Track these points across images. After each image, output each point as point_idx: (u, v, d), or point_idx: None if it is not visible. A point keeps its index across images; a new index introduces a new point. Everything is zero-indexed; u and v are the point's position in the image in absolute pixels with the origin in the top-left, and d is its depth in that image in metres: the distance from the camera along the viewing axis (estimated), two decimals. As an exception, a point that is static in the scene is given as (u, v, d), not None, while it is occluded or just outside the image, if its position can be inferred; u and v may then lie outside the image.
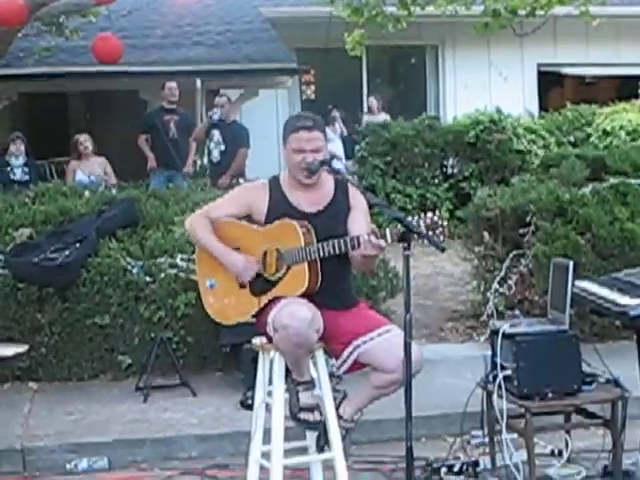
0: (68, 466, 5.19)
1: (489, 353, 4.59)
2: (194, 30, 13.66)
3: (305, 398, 3.98)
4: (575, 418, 4.72)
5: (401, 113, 13.90)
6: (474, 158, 12.88)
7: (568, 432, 4.75)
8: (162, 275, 6.50)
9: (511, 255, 7.23)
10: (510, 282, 7.16)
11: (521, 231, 7.27)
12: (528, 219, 7.24)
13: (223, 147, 9.84)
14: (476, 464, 4.74)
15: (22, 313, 6.45)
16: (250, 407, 4.62)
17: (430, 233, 3.70)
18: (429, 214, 3.74)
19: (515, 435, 4.51)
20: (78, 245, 6.59)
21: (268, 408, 4.05)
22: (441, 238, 3.70)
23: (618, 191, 7.46)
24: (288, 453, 4.04)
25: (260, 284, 4.02)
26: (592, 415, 4.60)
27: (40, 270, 6.41)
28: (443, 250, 3.77)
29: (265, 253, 4.02)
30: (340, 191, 4.13)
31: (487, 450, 4.75)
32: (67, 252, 6.51)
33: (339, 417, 4.07)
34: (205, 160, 10.74)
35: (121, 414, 5.80)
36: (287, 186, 4.11)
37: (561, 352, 4.39)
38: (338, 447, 4.02)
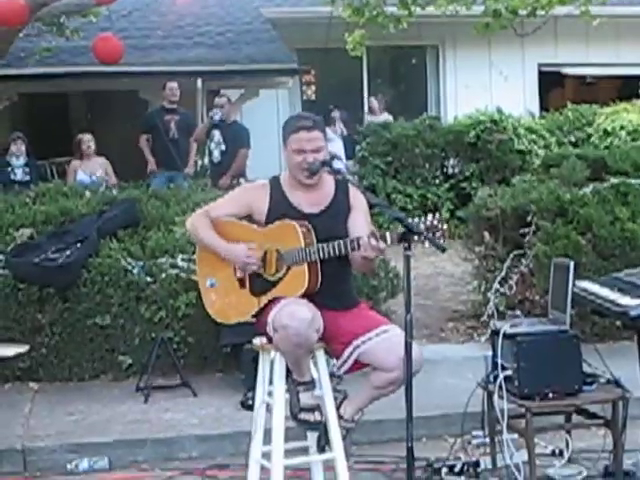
0: (69, 466, 5.19)
1: (490, 353, 4.59)
2: (195, 30, 13.67)
3: (305, 398, 3.98)
4: (576, 418, 4.72)
5: (402, 113, 13.91)
6: (475, 158, 12.89)
7: (569, 432, 4.75)
8: (163, 275, 6.50)
9: (512, 255, 7.23)
10: (511, 282, 7.16)
11: (522, 231, 7.27)
12: (529, 219, 7.24)
13: (224, 147, 9.85)
14: (477, 464, 4.73)
15: (23, 313, 6.46)
16: (251, 407, 4.61)
17: (430, 235, 3.70)
18: (429, 217, 3.75)
19: (516, 435, 4.51)
20: (79, 245, 6.59)
21: (269, 408, 4.05)
22: (441, 241, 3.71)
23: (619, 191, 7.46)
24: (289, 453, 4.04)
25: (260, 284, 4.02)
26: (593, 415, 4.60)
27: (41, 270, 6.41)
28: (444, 250, 3.78)
29: (265, 253, 4.02)
30: (341, 191, 4.13)
31: (488, 450, 4.75)
32: (68, 252, 6.51)
33: (340, 417, 4.07)
34: (206, 160, 10.74)
35: (122, 414, 5.80)
36: (288, 186, 4.11)
37: (562, 352, 4.39)
38: (339, 447, 4.02)
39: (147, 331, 6.49)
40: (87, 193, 7.63)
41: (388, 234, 3.77)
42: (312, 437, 4.16)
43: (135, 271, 6.49)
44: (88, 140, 10.59)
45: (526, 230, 7.23)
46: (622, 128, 12.82)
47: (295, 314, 3.76)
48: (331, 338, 4.01)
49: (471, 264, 8.00)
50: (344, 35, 11.10)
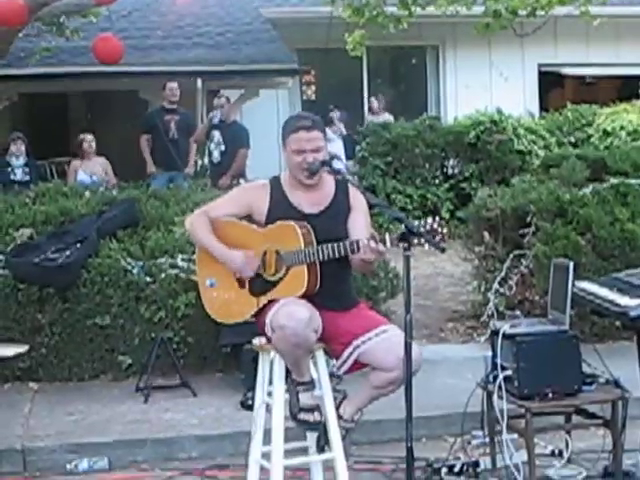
0: (68, 466, 5.19)
1: (489, 353, 4.59)
2: (194, 31, 13.66)
3: (305, 399, 3.98)
4: (575, 418, 4.72)
5: (402, 113, 13.91)
6: (474, 158, 12.89)
7: (568, 432, 4.75)
8: (162, 275, 6.50)
9: (511, 255, 7.23)
10: (510, 282, 7.16)
11: (521, 231, 7.27)
12: (528, 219, 7.24)
13: (223, 148, 9.86)
14: (476, 464, 4.74)
15: (22, 313, 6.46)
16: (250, 407, 4.62)
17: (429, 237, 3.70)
18: (428, 220, 3.75)
19: (515, 435, 4.52)
20: (79, 245, 6.59)
21: (268, 408, 4.05)
22: (440, 245, 3.71)
23: (618, 192, 7.46)
24: (288, 453, 4.04)
25: (259, 285, 4.02)
26: (592, 415, 4.60)
27: (41, 270, 6.41)
28: (443, 251, 3.78)
29: (265, 254, 4.02)
30: (341, 191, 4.13)
31: (487, 450, 4.75)
32: (68, 252, 6.51)
33: (339, 417, 4.07)
34: (206, 160, 10.75)
35: (121, 414, 5.80)
36: (288, 186, 4.11)
37: (561, 352, 4.39)
38: (338, 447, 4.02)
39: (147, 331, 6.49)
40: (87, 193, 7.63)
41: (388, 237, 3.77)
42: (312, 437, 4.16)
43: (135, 271, 6.49)
44: (90, 140, 10.63)
45: (526, 230, 7.23)
46: (622, 128, 12.82)
47: (293, 314, 3.76)
48: (330, 338, 4.01)
49: (471, 264, 8.00)
50: (344, 35, 11.10)
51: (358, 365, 4.02)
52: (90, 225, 6.81)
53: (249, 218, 4.15)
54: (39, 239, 6.74)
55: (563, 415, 4.77)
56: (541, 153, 12.62)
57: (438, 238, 3.71)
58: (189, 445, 5.39)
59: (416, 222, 3.77)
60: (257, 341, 4.14)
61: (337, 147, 12.64)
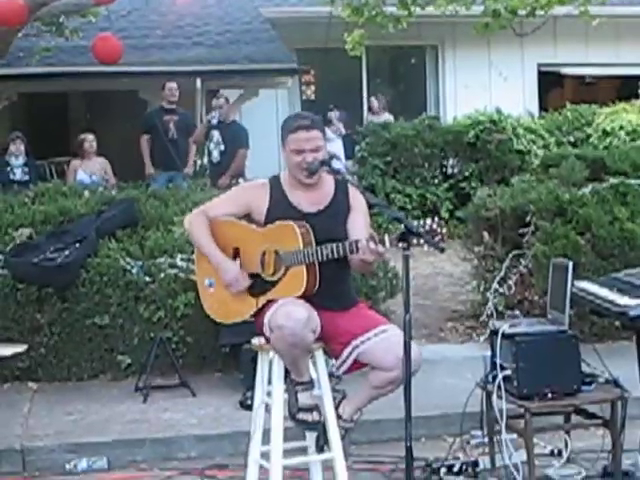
0: (67, 466, 5.19)
1: (489, 353, 4.59)
2: (194, 30, 13.66)
3: (304, 398, 3.97)
4: (575, 418, 4.72)
5: (401, 113, 13.91)
6: (474, 158, 12.88)
7: (568, 432, 4.76)
8: (162, 275, 6.50)
9: (511, 255, 7.23)
10: (510, 282, 7.16)
11: (521, 231, 7.27)
12: (528, 219, 7.24)
13: (222, 147, 9.85)
14: (476, 464, 4.74)
15: (21, 313, 6.45)
16: (249, 407, 4.62)
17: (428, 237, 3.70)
18: (428, 221, 3.74)
19: (515, 435, 4.52)
20: (78, 245, 6.59)
21: (267, 408, 4.05)
22: (440, 245, 3.70)
23: (618, 191, 7.46)
24: (287, 453, 4.04)
25: (258, 285, 4.02)
26: (592, 415, 4.60)
27: (40, 270, 6.41)
28: (442, 250, 3.78)
29: (264, 254, 4.01)
30: (340, 191, 4.13)
31: (487, 450, 4.75)
32: (67, 252, 6.51)
33: (338, 417, 4.07)
34: (205, 160, 10.74)
35: (120, 414, 5.80)
36: (287, 185, 4.11)
37: (561, 352, 4.39)
38: (338, 447, 4.02)
39: (146, 331, 6.48)
40: (86, 193, 7.63)
41: (387, 237, 3.77)
42: (311, 437, 4.16)
43: (134, 271, 6.49)
44: (91, 140, 10.64)
45: (525, 230, 7.23)
46: (621, 128, 12.82)
47: (291, 315, 3.76)
48: (330, 338, 4.01)
49: (470, 264, 8.00)
50: (343, 35, 11.10)
51: (357, 365, 4.02)
52: (89, 225, 6.81)
53: (248, 217, 4.15)
54: (38, 239, 6.73)
55: (562, 415, 4.77)
56: (540, 153, 12.61)
57: (437, 238, 3.71)
58: (188, 445, 5.39)
59: (415, 222, 3.76)
60: (256, 341, 4.13)
61: (336, 147, 12.64)
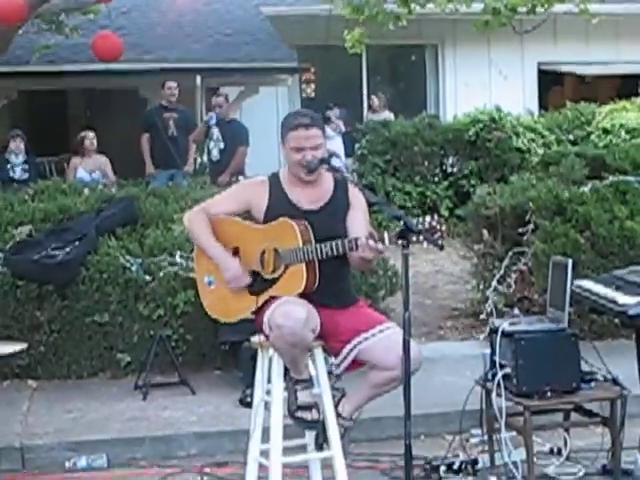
0: (67, 464, 5.19)
1: (488, 351, 4.59)
2: (194, 28, 13.65)
3: (303, 397, 3.97)
4: (574, 416, 4.72)
5: (401, 111, 13.91)
6: (474, 156, 12.88)
7: (567, 430, 4.76)
8: (161, 273, 6.50)
9: (510, 253, 7.23)
10: (509, 280, 7.16)
11: (520, 229, 7.27)
12: (527, 217, 7.24)
13: (222, 145, 9.85)
14: (475, 462, 4.74)
15: (21, 311, 6.45)
16: (249, 405, 4.62)
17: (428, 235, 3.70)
18: (427, 218, 3.74)
19: (514, 433, 4.52)
20: (77, 243, 6.59)
21: (267, 406, 4.05)
22: (439, 242, 3.70)
23: (618, 189, 7.46)
24: (287, 451, 4.04)
25: (258, 283, 4.02)
26: (591, 413, 4.60)
27: (40, 268, 6.41)
28: (442, 248, 3.77)
29: (263, 252, 4.01)
30: (340, 189, 4.13)
31: (486, 448, 4.75)
32: (67, 250, 6.51)
33: (338, 415, 4.06)
34: (205, 158, 10.74)
35: (120, 412, 5.80)
36: (287, 183, 4.11)
37: (560, 350, 4.39)
38: (337, 445, 4.02)
39: (145, 329, 6.48)
40: (86, 191, 7.63)
41: (386, 235, 3.76)
42: (310, 435, 4.15)
43: (134, 269, 6.49)
44: (91, 138, 10.66)
45: (525, 228, 7.23)
46: (621, 126, 12.80)
47: (290, 314, 3.76)
48: (329, 336, 4.00)
49: (470, 262, 8.00)
50: (343, 33, 11.10)
51: (357, 363, 4.02)
52: (89, 222, 6.81)
53: (248, 214, 4.15)
54: (38, 236, 6.73)
55: (562, 413, 4.77)
56: (540, 151, 12.61)
57: (437, 236, 3.70)
58: (188, 443, 5.39)
59: (415, 220, 3.76)
60: (256, 339, 4.12)
61: (336, 144, 12.63)
